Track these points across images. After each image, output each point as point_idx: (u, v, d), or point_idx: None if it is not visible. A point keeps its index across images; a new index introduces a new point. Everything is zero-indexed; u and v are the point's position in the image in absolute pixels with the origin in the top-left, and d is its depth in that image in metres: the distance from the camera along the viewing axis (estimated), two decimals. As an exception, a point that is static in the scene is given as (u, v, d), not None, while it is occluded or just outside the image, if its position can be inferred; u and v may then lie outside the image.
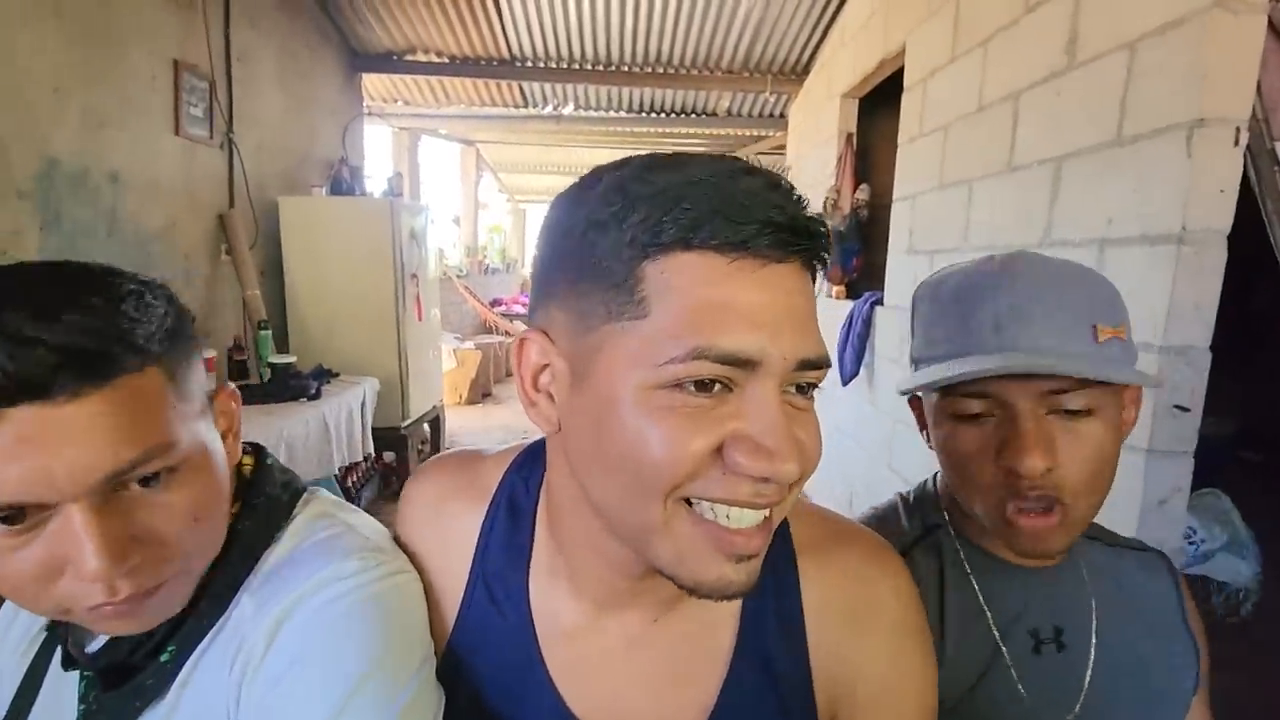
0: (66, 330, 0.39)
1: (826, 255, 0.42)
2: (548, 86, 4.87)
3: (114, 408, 0.40)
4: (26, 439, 0.38)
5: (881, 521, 0.70)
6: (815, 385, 0.42)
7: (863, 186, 3.45)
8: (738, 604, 0.51)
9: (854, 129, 3.56)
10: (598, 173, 0.43)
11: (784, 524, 0.53)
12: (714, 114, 5.22)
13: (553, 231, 0.44)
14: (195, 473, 0.46)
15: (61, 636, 0.51)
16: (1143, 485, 1.30)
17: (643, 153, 0.44)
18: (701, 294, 0.37)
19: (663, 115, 5.27)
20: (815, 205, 3.70)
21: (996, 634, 0.62)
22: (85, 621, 0.45)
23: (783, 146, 5.03)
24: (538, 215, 13.01)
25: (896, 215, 2.65)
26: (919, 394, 0.65)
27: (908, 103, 2.56)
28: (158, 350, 0.43)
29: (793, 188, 0.41)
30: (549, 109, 5.26)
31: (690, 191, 0.38)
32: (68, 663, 0.50)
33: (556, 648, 0.51)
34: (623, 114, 5.27)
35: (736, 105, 5.10)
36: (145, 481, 0.43)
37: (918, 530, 0.68)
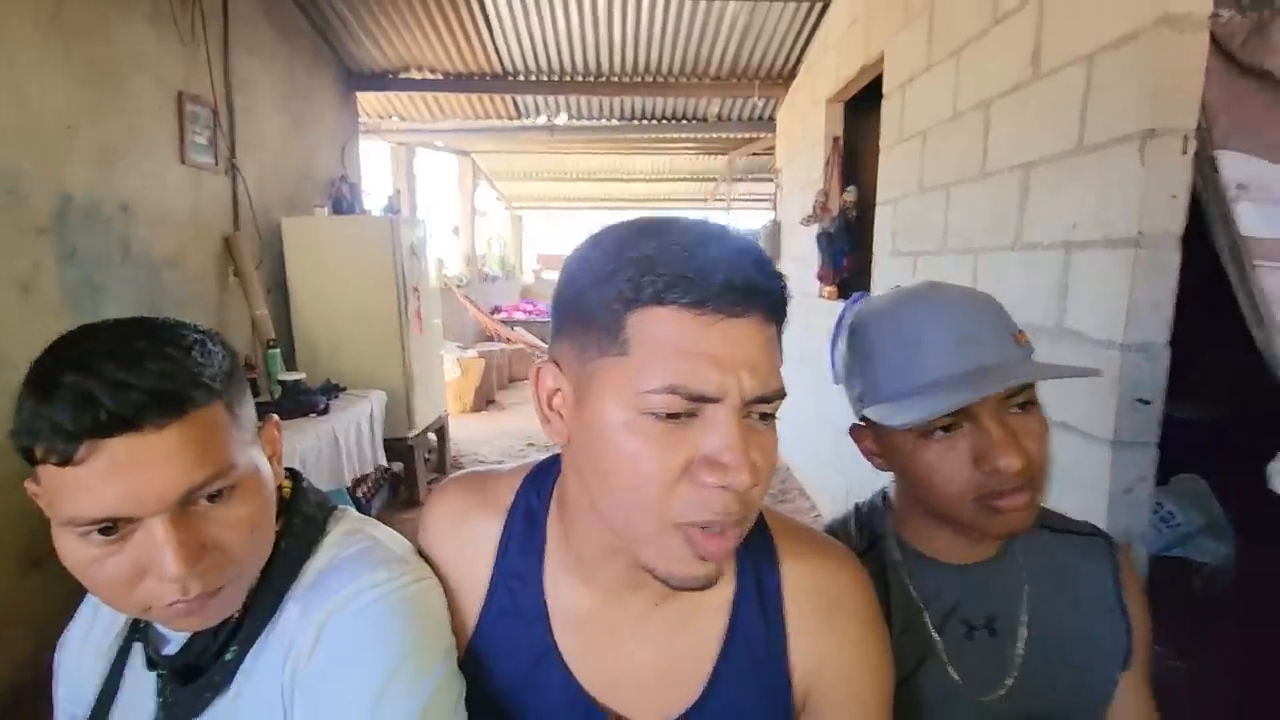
0: (151, 375, 0.48)
1: (784, 308, 0.51)
2: (540, 98, 4.96)
3: (188, 437, 0.49)
4: (121, 464, 0.47)
5: (837, 531, 0.79)
6: (771, 415, 0.50)
7: (850, 188, 3.53)
8: (730, 593, 0.60)
9: (840, 132, 3.64)
10: (599, 236, 0.53)
11: (768, 532, 0.63)
12: (704, 119, 5.30)
13: (565, 283, 0.54)
14: (250, 491, 0.54)
15: (143, 641, 0.59)
16: (1110, 475, 1.38)
17: (638, 216, 0.54)
18: (673, 342, 0.46)
19: (654, 122, 5.36)
20: (805, 206, 3.79)
21: (932, 628, 0.70)
22: (161, 618, 0.53)
23: (773, 148, 5.11)
24: (535, 221, 13.09)
25: (880, 218, 2.73)
26: (863, 424, 0.71)
27: (887, 109, 2.64)
28: (220, 388, 0.52)
29: (757, 251, 0.50)
30: (542, 119, 5.36)
31: (666, 258, 0.47)
32: (150, 663, 0.58)
33: (569, 632, 0.60)
34: (615, 122, 5.37)
35: (726, 110, 5.18)
36: (212, 498, 0.52)
37: (865, 542, 0.75)
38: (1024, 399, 0.64)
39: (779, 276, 0.50)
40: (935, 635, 0.70)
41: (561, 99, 5.00)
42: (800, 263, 3.96)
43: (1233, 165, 1.10)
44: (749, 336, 0.48)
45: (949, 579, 0.72)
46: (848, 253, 3.52)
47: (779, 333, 0.51)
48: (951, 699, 0.69)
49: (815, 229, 3.64)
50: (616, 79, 4.53)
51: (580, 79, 4.53)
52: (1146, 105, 1.32)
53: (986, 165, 1.90)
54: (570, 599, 0.60)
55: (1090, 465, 1.43)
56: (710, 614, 0.60)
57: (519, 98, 4.96)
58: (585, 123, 5.36)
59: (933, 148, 2.27)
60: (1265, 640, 1.45)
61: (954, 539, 0.71)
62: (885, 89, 2.66)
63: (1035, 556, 0.73)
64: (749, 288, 0.47)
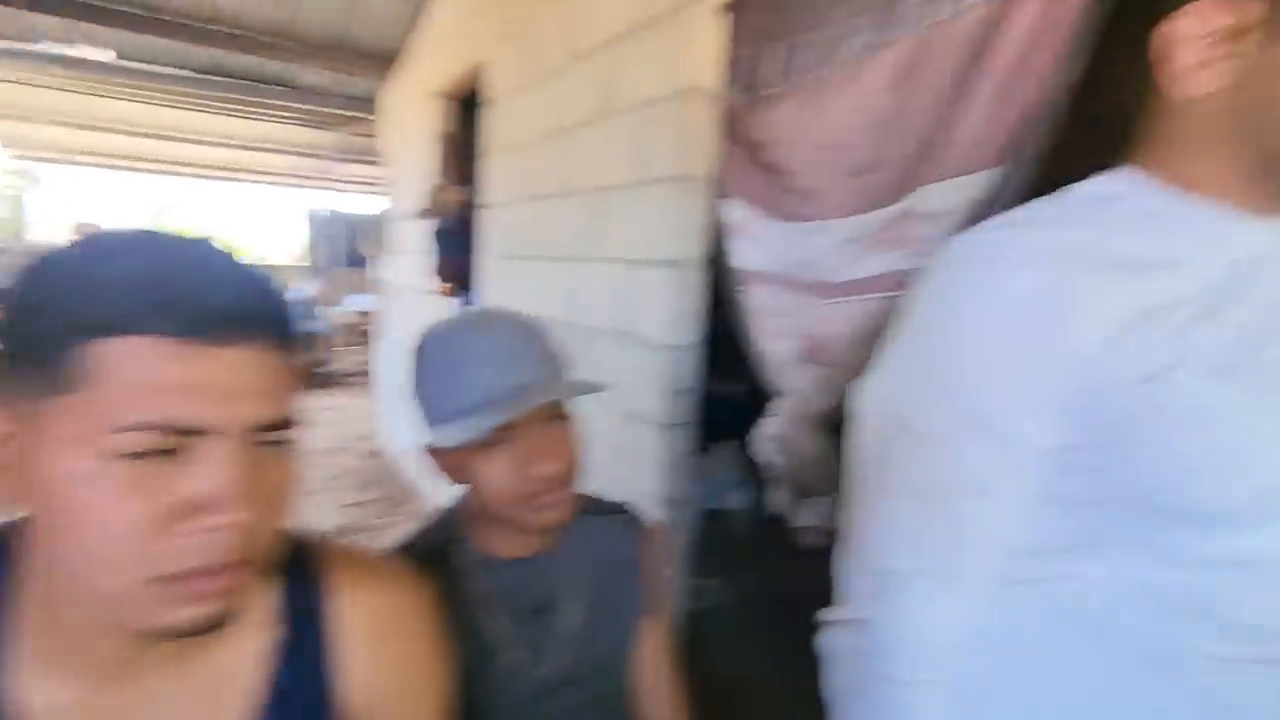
0: None
1: (291, 334, 0.48)
2: (59, 20, 3.77)
3: None
4: None
5: (414, 537, 0.82)
6: (283, 442, 0.48)
7: (465, 187, 3.57)
8: (269, 641, 0.55)
9: (453, 129, 3.64)
10: (58, 250, 0.44)
11: (317, 564, 0.59)
12: (299, 88, 4.74)
13: (16, 304, 0.43)
14: None
15: None
16: (662, 450, 1.70)
17: (112, 230, 0.47)
18: (150, 373, 0.41)
19: (234, 81, 4.57)
20: (420, 198, 3.69)
21: (502, 619, 0.78)
22: None
23: (382, 132, 4.86)
24: (55, 177, 10.00)
25: (485, 221, 2.84)
26: (439, 446, 0.75)
27: (488, 117, 2.74)
28: None
29: (257, 274, 0.47)
30: (70, 50, 4.09)
31: (145, 281, 0.42)
32: None
33: None
34: (181, 72, 4.41)
35: (327, 83, 4.72)
36: None
37: (436, 549, 0.80)
38: (557, 412, 0.74)
39: (282, 301, 0.48)
40: (500, 624, 0.77)
41: (100, 29, 3.88)
42: (416, 256, 3.86)
43: (731, 209, 1.44)
44: (247, 365, 0.45)
45: (512, 572, 0.80)
46: (462, 251, 3.56)
47: (290, 356, 0.49)
48: (518, 678, 0.77)
49: (431, 224, 3.58)
50: (181, 22, 3.72)
51: (127, 10, 3.59)
52: (682, 154, 1.64)
53: (573, 184, 2.12)
54: (51, 693, 0.49)
55: (651, 444, 1.74)
56: (244, 672, 0.54)
57: (18, 12, 3.68)
58: (136, 65, 4.27)
59: (529, 160, 2.43)
60: (778, 564, 1.96)
61: (513, 537, 0.79)
62: (485, 97, 2.75)
63: (584, 540, 0.85)
64: (244, 315, 0.44)
